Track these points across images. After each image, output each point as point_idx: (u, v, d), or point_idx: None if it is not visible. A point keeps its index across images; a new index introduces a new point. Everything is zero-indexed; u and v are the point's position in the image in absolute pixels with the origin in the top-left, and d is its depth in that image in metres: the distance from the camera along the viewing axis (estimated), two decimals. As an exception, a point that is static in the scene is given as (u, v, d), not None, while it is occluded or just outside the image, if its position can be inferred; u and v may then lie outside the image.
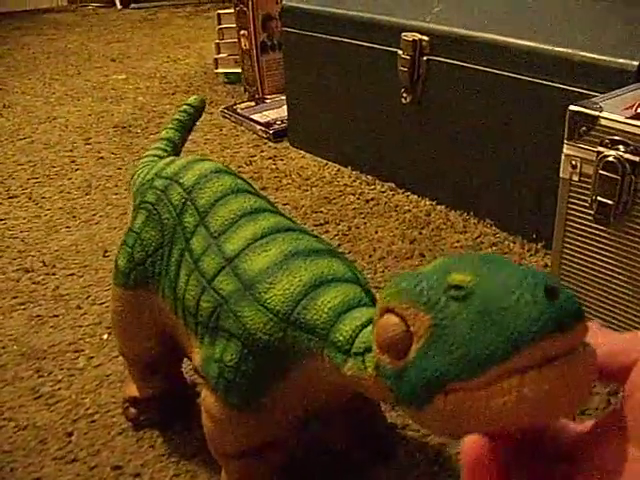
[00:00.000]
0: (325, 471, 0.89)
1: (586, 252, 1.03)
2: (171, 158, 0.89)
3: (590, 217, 1.01)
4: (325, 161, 1.75)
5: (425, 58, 1.42)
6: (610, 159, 0.95)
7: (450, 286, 0.36)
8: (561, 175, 1.03)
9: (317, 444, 0.91)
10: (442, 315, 0.36)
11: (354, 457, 0.89)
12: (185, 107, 1.04)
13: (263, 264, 0.69)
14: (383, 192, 1.58)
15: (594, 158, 0.97)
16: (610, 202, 0.97)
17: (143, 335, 0.88)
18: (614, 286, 1.01)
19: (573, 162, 1.00)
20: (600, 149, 0.96)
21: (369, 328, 0.60)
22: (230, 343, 0.69)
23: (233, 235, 0.73)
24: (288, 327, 0.65)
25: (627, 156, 0.94)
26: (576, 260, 1.05)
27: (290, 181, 1.66)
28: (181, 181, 0.81)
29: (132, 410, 0.96)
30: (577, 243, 1.04)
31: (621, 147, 0.94)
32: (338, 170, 1.70)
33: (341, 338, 0.61)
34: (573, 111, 0.98)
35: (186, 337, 0.79)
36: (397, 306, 0.39)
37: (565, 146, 1.01)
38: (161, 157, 0.96)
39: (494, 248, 1.34)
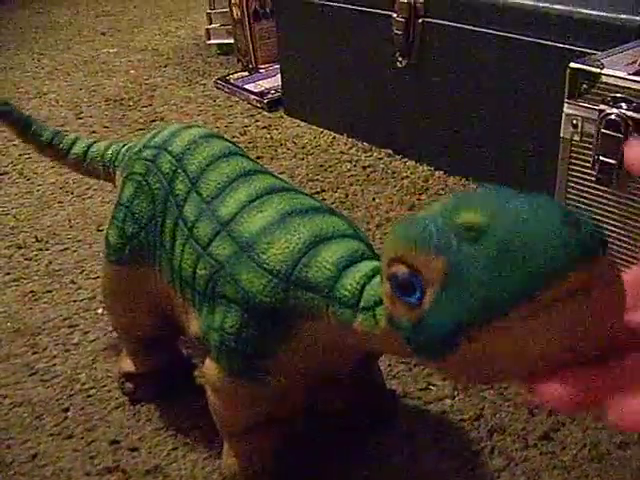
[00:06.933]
0: (324, 440, 0.87)
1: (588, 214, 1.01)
2: (158, 128, 0.86)
3: (592, 178, 0.99)
4: (320, 129, 1.72)
5: (420, 20, 1.39)
6: (612, 117, 0.93)
7: (460, 227, 0.34)
8: (562, 135, 1.00)
9: (316, 411, 0.89)
10: (456, 258, 0.33)
11: (353, 424, 0.87)
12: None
13: (260, 225, 0.67)
14: (380, 159, 1.56)
15: (596, 117, 0.95)
16: (612, 161, 0.96)
17: (138, 311, 0.86)
18: (617, 248, 0.99)
19: (574, 121, 0.98)
20: (602, 107, 0.94)
21: (377, 280, 0.58)
22: (230, 309, 0.67)
23: (227, 198, 0.71)
24: (289, 287, 0.63)
25: (630, 113, 0.92)
26: (578, 222, 1.03)
27: (285, 150, 1.64)
28: (170, 149, 0.78)
29: (128, 385, 0.95)
30: (579, 205, 1.02)
31: (623, 105, 0.92)
32: (334, 138, 1.67)
33: (346, 293, 0.59)
34: (574, 69, 0.96)
35: (183, 310, 0.76)
36: (405, 254, 0.36)
37: (566, 105, 0.98)
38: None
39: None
